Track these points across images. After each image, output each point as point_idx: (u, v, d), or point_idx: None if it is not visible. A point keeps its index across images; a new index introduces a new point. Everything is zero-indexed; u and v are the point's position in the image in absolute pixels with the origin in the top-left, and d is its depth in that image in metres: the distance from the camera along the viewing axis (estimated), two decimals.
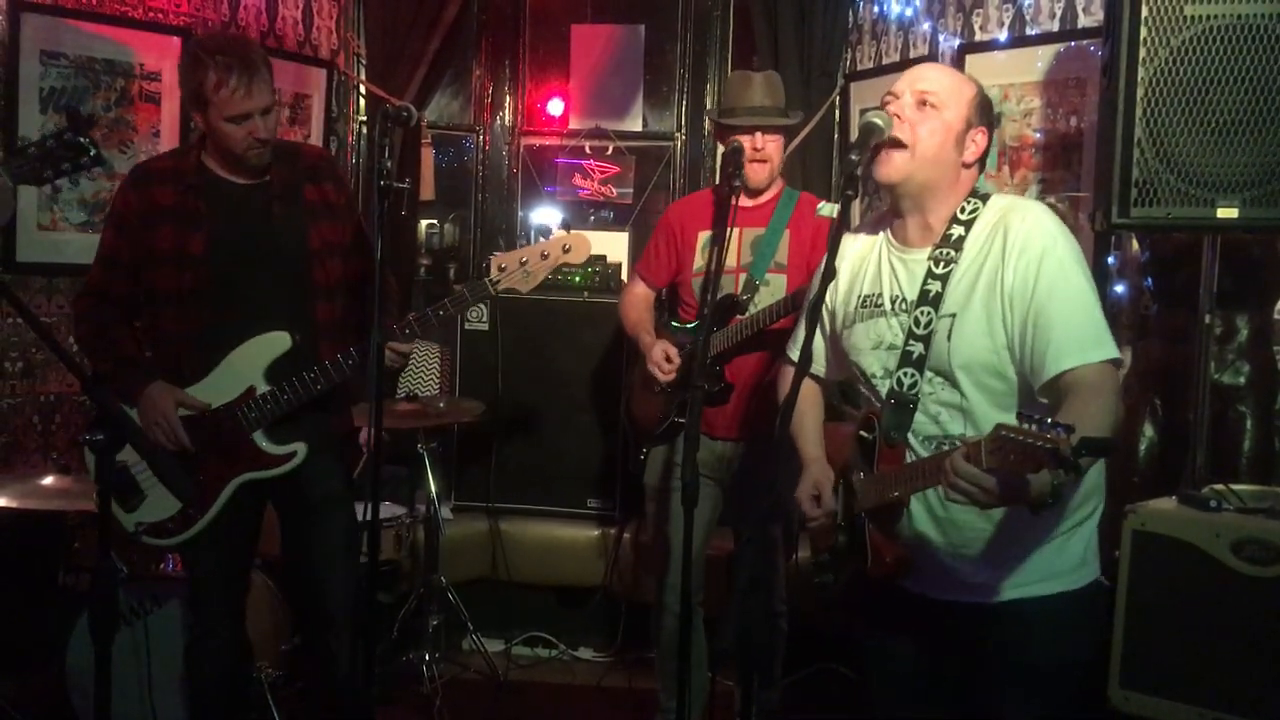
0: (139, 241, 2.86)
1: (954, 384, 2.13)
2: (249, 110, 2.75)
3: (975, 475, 1.79)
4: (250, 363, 2.84)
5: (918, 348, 2.15)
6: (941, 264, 2.16)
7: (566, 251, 2.85)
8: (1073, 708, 2.25)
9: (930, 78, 2.19)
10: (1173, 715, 2.64)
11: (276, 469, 2.87)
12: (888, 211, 2.31)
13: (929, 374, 2.15)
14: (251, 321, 2.85)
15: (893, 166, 2.15)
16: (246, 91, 2.73)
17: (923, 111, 2.15)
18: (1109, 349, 2.05)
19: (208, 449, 2.84)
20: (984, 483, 1.78)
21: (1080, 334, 2.03)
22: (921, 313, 2.15)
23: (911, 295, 2.19)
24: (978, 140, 2.20)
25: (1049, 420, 1.66)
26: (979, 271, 2.12)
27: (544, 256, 2.85)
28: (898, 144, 2.14)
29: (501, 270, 2.85)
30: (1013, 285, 2.07)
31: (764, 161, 3.36)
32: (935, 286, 2.15)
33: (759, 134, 3.35)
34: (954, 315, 2.12)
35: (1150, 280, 3.53)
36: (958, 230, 2.17)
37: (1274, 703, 2.51)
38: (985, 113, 2.22)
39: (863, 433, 2.25)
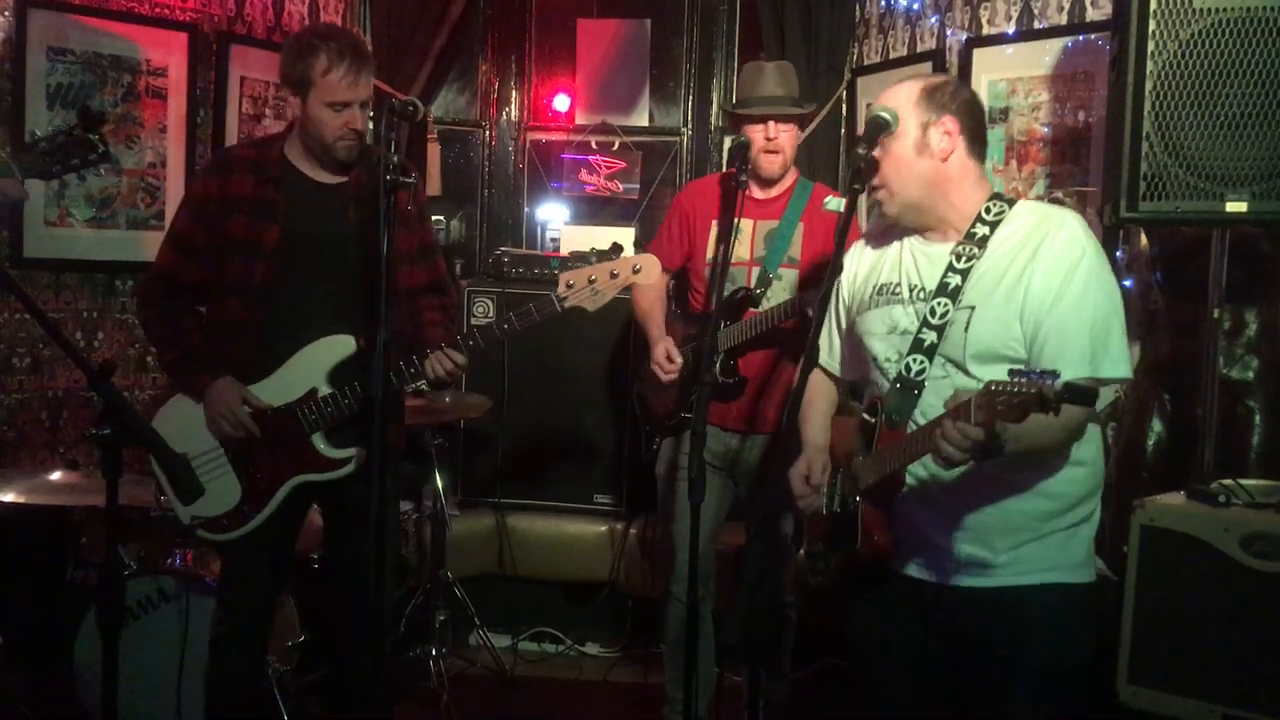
0: (214, 228, 2.85)
1: (967, 372, 2.14)
2: (351, 99, 2.76)
3: (965, 428, 1.84)
4: (315, 364, 2.83)
5: (930, 336, 2.16)
6: (963, 259, 2.17)
7: (637, 272, 2.79)
8: (1071, 707, 2.25)
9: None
10: (1181, 710, 2.63)
11: (332, 473, 2.85)
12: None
13: (940, 360, 2.16)
14: (315, 321, 2.83)
15: (884, 208, 2.22)
16: (354, 80, 2.75)
17: (880, 144, 2.16)
18: (1121, 368, 2.08)
19: (267, 448, 2.83)
20: (972, 434, 1.83)
21: (1094, 350, 2.06)
22: (938, 303, 2.16)
23: (930, 286, 2.20)
24: (943, 131, 2.17)
25: (1037, 370, 1.72)
26: (1005, 270, 2.13)
27: (613, 276, 2.78)
28: (874, 188, 2.20)
29: (570, 287, 2.80)
30: (1039, 290, 2.08)
31: (776, 152, 3.36)
32: (955, 280, 2.16)
33: (771, 123, 3.34)
34: (973, 308, 2.13)
35: (1159, 274, 3.52)
36: (982, 229, 2.18)
37: None
38: (936, 102, 2.16)
39: (866, 416, 2.27)
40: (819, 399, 2.48)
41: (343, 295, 2.86)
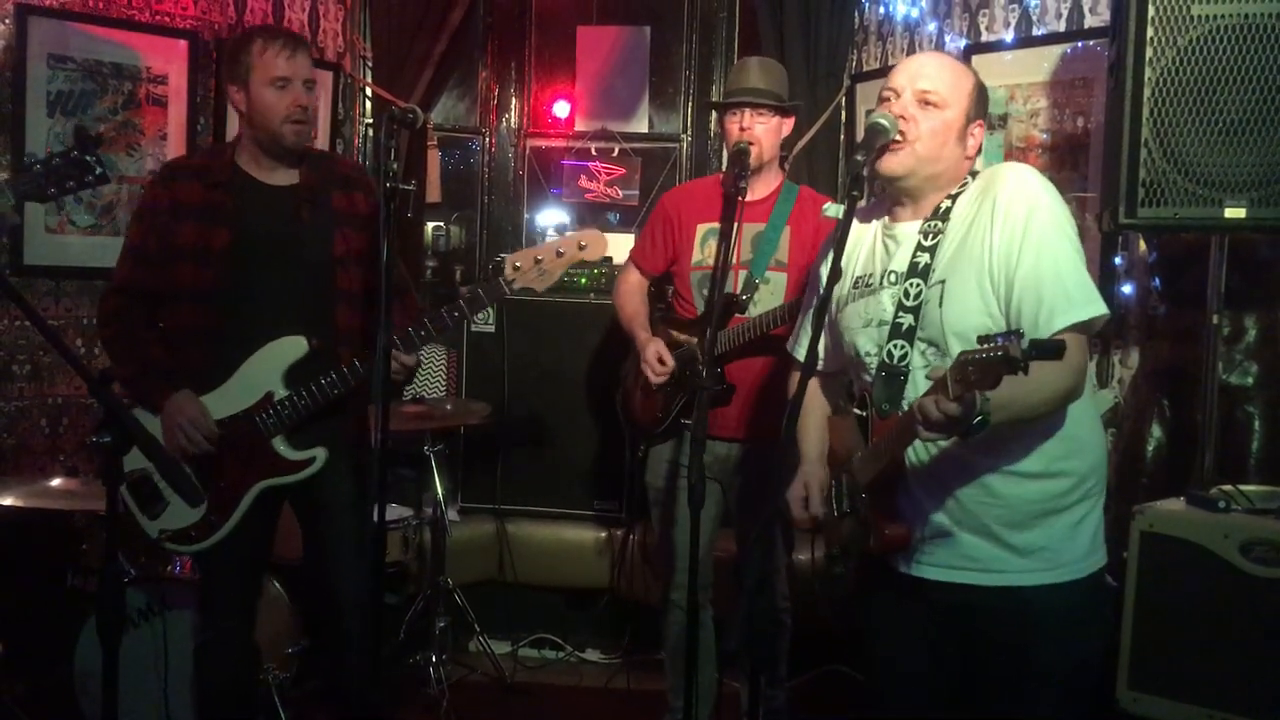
0: (164, 236, 2.86)
1: (946, 351, 2.12)
2: (291, 75, 2.78)
3: (943, 405, 1.81)
4: (267, 368, 2.83)
5: (907, 319, 2.15)
6: (930, 236, 2.18)
7: (583, 249, 2.80)
8: (1084, 707, 2.24)
9: (929, 74, 2.20)
10: (1181, 716, 2.63)
11: (296, 475, 2.86)
12: (884, 198, 2.32)
13: (920, 345, 2.15)
14: (271, 323, 2.84)
15: (895, 160, 2.16)
16: (291, 54, 2.79)
17: (924, 110, 2.16)
18: (1097, 305, 2.06)
19: (227, 456, 2.83)
20: (950, 410, 1.80)
21: (1069, 294, 2.04)
22: (911, 284, 2.16)
23: (901, 268, 2.20)
24: (976, 134, 2.22)
25: (1003, 333, 1.71)
26: (965, 235, 2.13)
27: (559, 254, 2.79)
28: (899, 140, 2.15)
29: (517, 269, 2.79)
30: (1000, 247, 2.08)
31: (751, 143, 3.32)
32: (924, 258, 2.16)
33: (746, 113, 3.33)
34: (943, 282, 2.13)
35: (1158, 281, 3.52)
36: (946, 203, 2.19)
37: None
38: (983, 104, 2.24)
39: (857, 410, 2.26)
40: (813, 410, 2.47)
41: (296, 296, 2.87)
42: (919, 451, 2.15)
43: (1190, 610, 2.63)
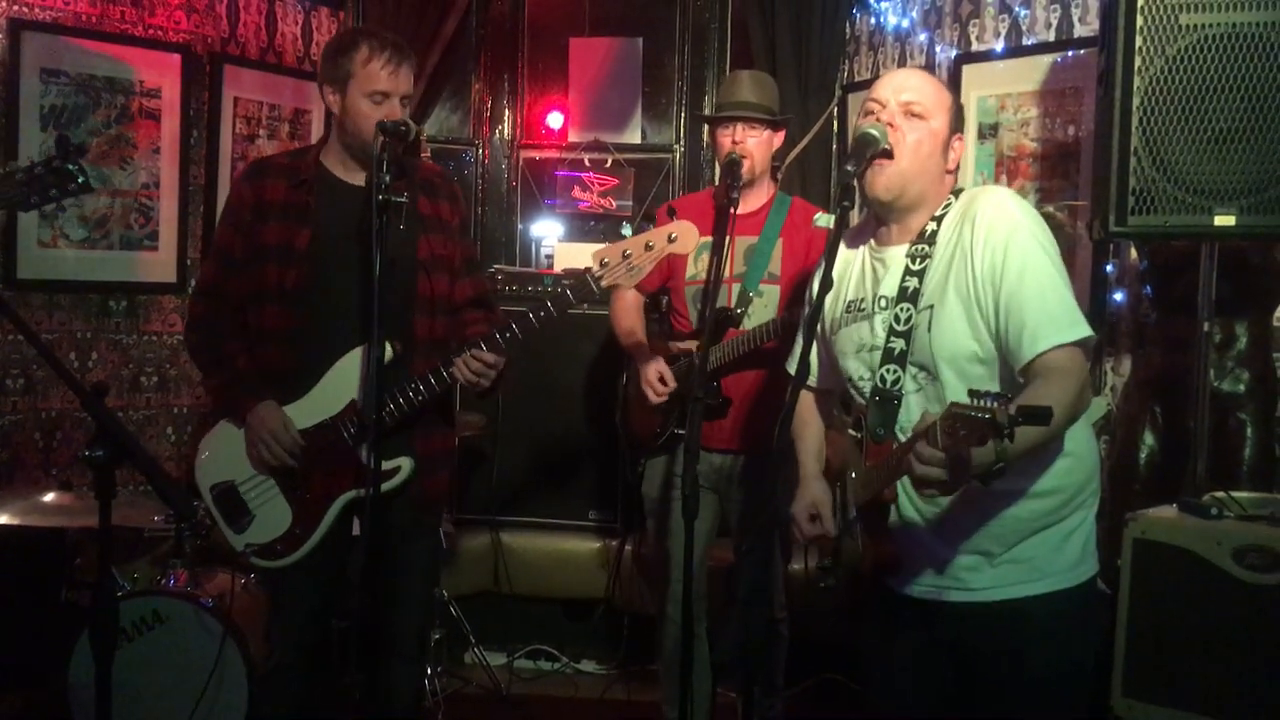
0: (250, 235, 2.81)
1: (936, 376, 2.13)
2: (391, 90, 2.74)
3: (933, 456, 1.79)
4: (352, 375, 2.76)
5: (899, 344, 2.16)
6: (918, 260, 2.18)
7: (672, 241, 2.63)
8: (1078, 715, 2.25)
9: (913, 87, 2.21)
10: None
11: (383, 484, 2.72)
12: (870, 218, 2.33)
13: (912, 369, 2.16)
14: (350, 325, 2.76)
15: (886, 178, 2.16)
16: (394, 70, 2.75)
17: (910, 122, 2.17)
18: (1082, 328, 2.05)
19: (313, 467, 2.77)
20: (934, 458, 1.79)
21: (1053, 315, 2.03)
22: (901, 309, 2.17)
23: (890, 293, 2.20)
24: (956, 147, 2.24)
25: (992, 393, 1.68)
26: (950, 260, 2.13)
27: (648, 247, 2.63)
28: (888, 154, 2.15)
29: (604, 265, 2.66)
30: (982, 271, 2.08)
31: (744, 156, 3.32)
32: (913, 283, 2.17)
33: (739, 127, 3.34)
34: (932, 307, 2.13)
35: (1149, 288, 3.53)
36: (932, 226, 2.20)
37: (1276, 711, 2.51)
38: (960, 119, 2.26)
39: (852, 431, 2.27)
40: (809, 419, 2.48)
41: (374, 298, 2.74)
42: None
43: (1184, 617, 2.63)
